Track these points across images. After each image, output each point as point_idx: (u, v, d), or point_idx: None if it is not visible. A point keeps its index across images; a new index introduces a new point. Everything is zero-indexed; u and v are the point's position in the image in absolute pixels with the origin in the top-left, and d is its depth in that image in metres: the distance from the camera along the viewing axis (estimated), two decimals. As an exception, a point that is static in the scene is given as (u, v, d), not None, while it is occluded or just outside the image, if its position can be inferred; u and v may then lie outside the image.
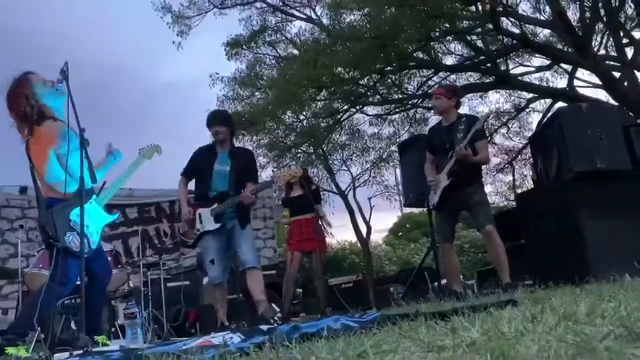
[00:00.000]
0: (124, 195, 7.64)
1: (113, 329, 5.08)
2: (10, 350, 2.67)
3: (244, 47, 12.90)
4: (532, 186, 5.98)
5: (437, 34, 10.50)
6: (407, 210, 21.28)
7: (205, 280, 6.75)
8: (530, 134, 11.12)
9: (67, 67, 3.14)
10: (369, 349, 1.23)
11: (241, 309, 5.91)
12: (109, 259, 4.09)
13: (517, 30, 10.58)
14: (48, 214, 3.05)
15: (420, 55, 11.33)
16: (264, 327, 2.39)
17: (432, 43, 10.99)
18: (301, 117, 13.04)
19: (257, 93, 12.94)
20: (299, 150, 13.37)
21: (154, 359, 1.46)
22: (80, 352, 2.42)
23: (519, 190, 12.55)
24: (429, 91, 11.38)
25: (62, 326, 4.24)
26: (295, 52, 12.85)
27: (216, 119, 4.43)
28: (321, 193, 6.75)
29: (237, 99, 13.00)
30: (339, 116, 12.88)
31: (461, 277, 5.65)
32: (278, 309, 3.73)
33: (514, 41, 10.58)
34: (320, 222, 5.99)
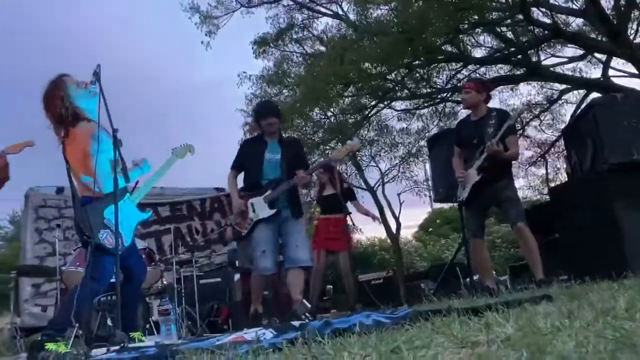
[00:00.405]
0: (156, 194, 7.76)
1: (147, 326, 5.19)
2: (50, 345, 2.75)
3: (271, 45, 12.95)
4: (566, 179, 5.84)
5: (466, 26, 10.34)
6: (437, 205, 21.07)
7: (237, 277, 6.83)
8: (563, 126, 10.88)
9: (100, 69, 3.22)
10: (402, 344, 1.22)
11: (271, 305, 5.97)
12: (143, 256, 4.17)
13: (548, 20, 10.33)
14: (83, 212, 3.12)
15: (449, 49, 11.18)
16: (296, 323, 2.40)
17: (460, 36, 10.84)
18: (329, 113, 13.03)
19: (284, 91, 12.99)
20: (328, 147, 13.38)
21: (189, 354, 1.48)
22: (117, 348, 2.47)
23: (552, 184, 12.28)
24: (458, 85, 11.23)
25: (98, 323, 4.35)
26: (322, 48, 12.84)
27: (271, 111, 4.41)
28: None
29: (265, 97, 13.07)
30: (366, 112, 12.82)
31: (494, 272, 5.57)
32: (309, 305, 3.74)
33: (545, 31, 10.34)
34: (367, 216, 6.27)
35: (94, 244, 2.99)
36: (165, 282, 5.85)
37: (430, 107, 13.31)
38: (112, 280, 3.13)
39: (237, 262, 6.77)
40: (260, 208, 4.14)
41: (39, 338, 2.96)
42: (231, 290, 6.83)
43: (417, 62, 10.86)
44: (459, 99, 11.18)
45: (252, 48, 12.71)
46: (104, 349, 2.58)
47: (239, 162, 4.42)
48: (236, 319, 6.30)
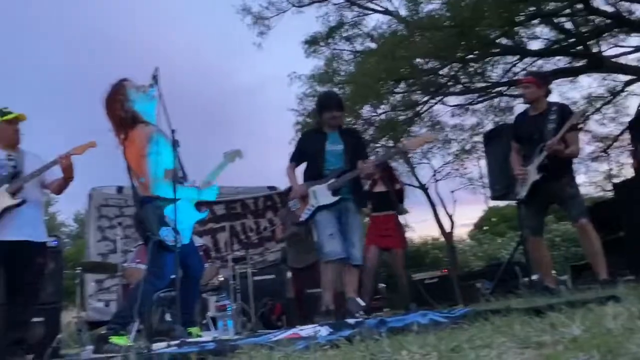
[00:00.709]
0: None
1: (204, 321, 5.32)
2: (114, 339, 2.87)
3: (322, 43, 12.99)
4: (632, 175, 5.56)
5: (522, 17, 10.01)
6: (493, 203, 20.53)
7: (290, 274, 6.90)
8: (627, 119, 10.35)
9: (158, 73, 3.33)
10: (463, 343, 1.19)
11: (319, 302, 5.99)
12: (201, 253, 4.28)
13: (610, 9, 9.86)
14: (144, 211, 3.23)
15: (504, 41, 10.86)
16: (351, 321, 2.40)
17: (516, 28, 10.50)
18: (379, 110, 12.94)
19: (335, 89, 13.00)
20: (378, 144, 13.29)
21: (247, 350, 1.50)
22: (177, 342, 2.55)
23: (615, 180, 11.71)
24: (515, 78, 10.89)
25: (158, 317, 4.50)
26: (373, 45, 12.74)
27: (335, 103, 4.36)
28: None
29: (316, 96, 13.13)
30: (418, 108, 12.65)
31: (554, 272, 5.37)
32: (363, 303, 3.72)
33: (607, 20, 9.87)
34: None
35: (155, 241, 3.10)
36: (221, 279, 5.98)
37: (485, 102, 12.97)
38: (171, 277, 3.23)
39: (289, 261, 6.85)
40: (322, 195, 4.09)
41: (104, 331, 3.09)
42: (284, 287, 6.89)
43: (470, 56, 10.61)
44: (516, 93, 10.85)
45: (303, 47, 12.81)
46: (164, 343, 2.66)
47: (299, 154, 4.40)
48: (290, 315, 6.37)
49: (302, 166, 4.42)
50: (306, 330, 2.17)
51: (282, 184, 8.96)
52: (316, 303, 6.17)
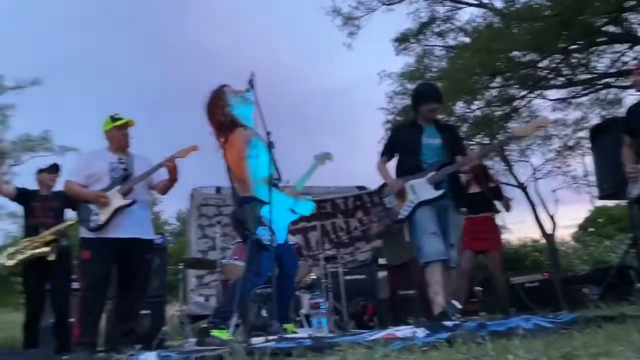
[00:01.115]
0: (303, 192, 8.09)
1: (298, 318, 5.42)
2: (215, 332, 3.00)
3: (412, 40, 12.79)
4: None
5: (633, 2, 9.22)
6: (600, 203, 19.10)
7: (381, 274, 6.85)
8: None
9: (254, 78, 3.44)
10: (577, 350, 1.11)
11: (413, 304, 5.89)
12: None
13: None
14: (242, 211, 3.35)
15: (612, 29, 10.07)
16: (449, 323, 2.33)
17: (625, 14, 9.70)
18: (473, 106, 12.49)
19: (426, 86, 12.74)
20: (473, 142, 12.84)
21: (345, 348, 1.50)
22: (274, 337, 2.61)
23: None
24: (624, 68, 10.07)
25: (255, 313, 4.64)
26: (466, 40, 12.34)
27: (435, 96, 4.13)
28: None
29: (406, 94, 12.93)
30: (515, 103, 12.06)
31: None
32: (460, 306, 3.60)
33: None
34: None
35: (253, 240, 3.20)
36: (313, 277, 6.07)
37: (590, 95, 12.10)
38: (268, 274, 3.32)
39: (380, 260, 6.80)
40: (422, 189, 3.87)
41: (205, 325, 3.24)
42: (376, 287, 6.86)
43: (573, 46, 9.95)
44: (626, 84, 10.02)
45: (393, 45, 12.68)
46: (262, 338, 2.74)
47: (391, 148, 4.22)
48: (382, 316, 6.32)
49: (392, 163, 4.26)
50: (402, 331, 2.14)
51: (371, 184, 8.95)
52: (409, 305, 6.10)
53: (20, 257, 4.50)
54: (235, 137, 3.45)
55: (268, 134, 3.26)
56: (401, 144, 4.15)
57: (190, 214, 8.56)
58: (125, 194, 3.89)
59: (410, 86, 12.70)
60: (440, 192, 3.85)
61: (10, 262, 4.48)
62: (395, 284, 6.01)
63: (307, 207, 3.53)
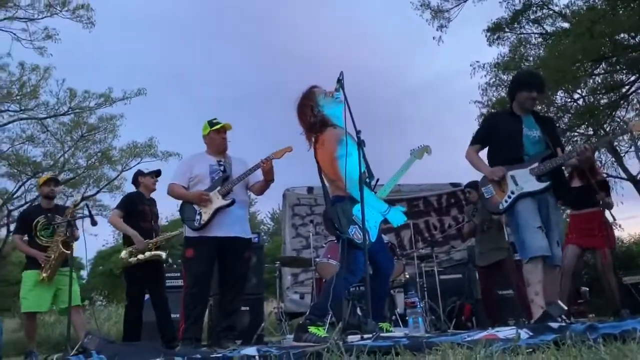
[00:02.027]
0: (393, 191, 7.97)
1: (393, 317, 5.37)
2: (312, 329, 3.05)
3: (506, 29, 12.25)
4: None
5: None
6: None
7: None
8: None
9: (343, 77, 3.45)
10: None
11: (511, 304, 5.62)
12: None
13: None
14: (334, 210, 3.37)
15: None
16: (554, 325, 2.20)
17: None
18: (576, 95, 11.73)
19: (522, 76, 12.15)
20: (576, 133, 12.06)
21: (445, 347, 1.46)
22: (370, 336, 2.60)
23: None
24: None
25: (349, 311, 4.66)
26: (565, 25, 11.63)
27: (538, 84, 3.86)
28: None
29: (501, 85, 12.40)
30: (624, 90, 11.16)
31: None
32: (565, 307, 3.37)
33: None
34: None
35: (345, 238, 3.21)
36: (407, 276, 5.99)
37: None
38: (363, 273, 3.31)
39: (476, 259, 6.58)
40: (524, 180, 3.64)
41: (302, 321, 3.30)
42: (473, 287, 6.64)
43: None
44: None
45: (486, 35, 12.22)
46: (357, 336, 2.74)
47: (485, 136, 3.98)
48: (480, 316, 6.11)
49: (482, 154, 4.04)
50: (504, 332, 2.05)
51: (466, 180, 8.66)
52: (507, 305, 5.84)
53: (141, 257, 4.85)
54: (325, 137, 3.49)
55: (358, 132, 3.25)
56: (499, 133, 3.89)
57: (283, 214, 8.78)
58: (224, 195, 4.06)
59: (505, 77, 12.19)
60: (544, 184, 3.61)
61: (132, 260, 4.84)
62: (487, 283, 5.77)
63: (398, 218, 3.43)
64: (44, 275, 4.83)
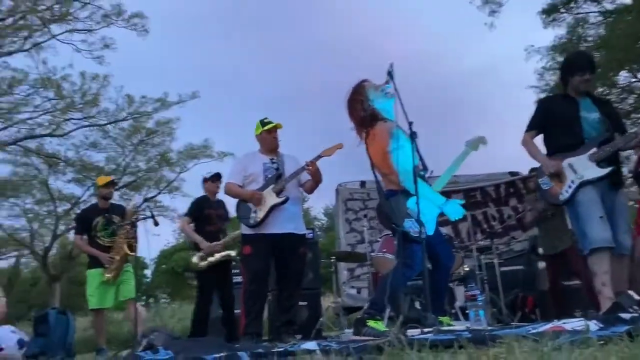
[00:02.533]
0: (449, 182, 7.84)
1: (453, 311, 5.28)
2: (371, 323, 3.05)
3: (562, 10, 11.76)
4: None
5: None
6: None
7: (541, 264, 6.40)
8: None
9: (393, 68, 3.41)
10: None
11: (578, 295, 5.38)
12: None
13: None
14: (388, 204, 3.35)
15: None
16: (626, 316, 2.10)
17: None
18: (640, 75, 11.14)
19: (581, 58, 11.63)
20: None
21: (509, 340, 1.42)
22: (431, 330, 2.57)
23: None
24: None
25: (408, 305, 4.63)
26: (627, 1, 11.04)
27: (590, 65, 3.72)
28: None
29: (558, 69, 11.94)
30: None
31: None
32: (638, 297, 3.20)
33: None
34: None
35: (401, 232, 3.19)
36: (466, 269, 5.87)
37: None
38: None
39: (540, 249, 6.36)
40: (584, 167, 3.47)
41: (360, 316, 3.30)
42: (536, 278, 6.43)
43: None
44: None
45: (541, 18, 11.78)
46: (417, 330, 2.72)
47: (541, 121, 3.80)
48: (544, 309, 5.92)
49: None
50: (571, 323, 1.97)
51: (525, 168, 8.37)
52: (573, 296, 5.61)
53: (212, 259, 5.01)
54: (376, 131, 3.46)
55: (410, 124, 3.21)
56: (555, 117, 3.73)
57: (337, 209, 8.78)
58: (278, 193, 4.12)
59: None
60: (606, 170, 3.43)
61: (203, 264, 5.01)
62: (555, 274, 5.56)
63: (456, 211, 3.34)
64: (108, 276, 5.04)
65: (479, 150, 3.78)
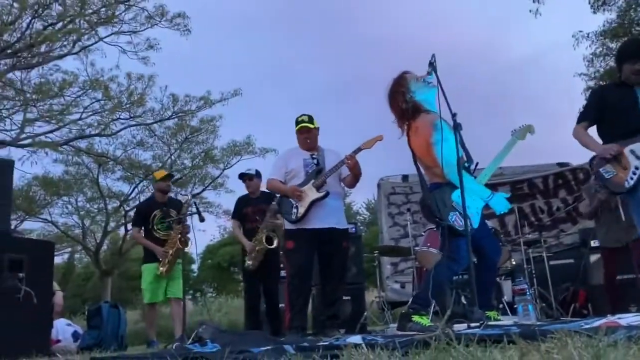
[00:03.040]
0: (495, 174, 7.64)
1: (500, 306, 5.17)
2: (416, 318, 3.02)
3: (614, -8, 11.29)
4: None
5: None
6: None
7: (593, 257, 6.18)
8: None
9: (435, 59, 3.35)
10: None
11: (634, 290, 5.17)
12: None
13: None
14: (432, 197, 3.30)
15: None
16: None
17: None
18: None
19: (634, 42, 11.14)
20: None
21: (562, 335, 1.38)
22: (477, 324, 2.53)
23: None
24: None
25: (453, 300, 4.56)
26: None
27: None
28: None
29: (609, 54, 11.45)
30: None
31: None
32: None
33: None
34: None
35: (445, 226, 3.14)
36: (514, 263, 5.74)
37: None
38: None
39: (592, 242, 6.14)
40: None
41: (405, 310, 3.27)
42: (587, 272, 6.22)
43: None
44: None
45: (589, 2, 11.31)
46: (464, 325, 2.67)
47: (594, 112, 3.66)
48: (597, 303, 5.72)
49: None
50: (626, 319, 1.90)
51: (574, 159, 8.09)
52: (629, 291, 5.39)
53: (257, 255, 5.09)
54: (419, 123, 3.42)
55: (454, 115, 3.15)
56: (610, 107, 3.57)
57: (379, 203, 8.74)
58: (318, 187, 4.13)
59: (613, 45, 11.25)
60: None
61: (250, 263, 5.10)
62: (612, 268, 5.34)
63: (502, 204, 3.27)
64: (162, 269, 5.17)
65: (526, 139, 3.68)
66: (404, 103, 3.48)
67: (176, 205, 5.45)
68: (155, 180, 5.73)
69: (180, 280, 5.20)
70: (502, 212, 3.31)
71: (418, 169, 3.50)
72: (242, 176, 5.47)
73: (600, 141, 3.61)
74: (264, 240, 5.05)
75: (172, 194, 5.68)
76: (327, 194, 4.11)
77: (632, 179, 3.32)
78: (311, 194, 4.14)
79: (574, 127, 3.69)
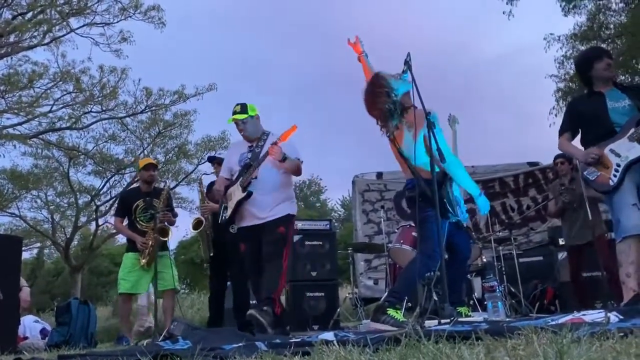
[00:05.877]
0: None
1: (471, 302, 5.26)
2: (391, 311, 3.04)
3: (583, -4, 11.53)
4: None
5: None
6: None
7: (561, 255, 6.33)
8: None
9: (410, 58, 3.35)
10: None
11: (599, 287, 5.31)
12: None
13: None
14: (416, 192, 3.28)
15: None
16: (647, 309, 2.07)
17: None
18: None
19: (602, 45, 11.42)
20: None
21: (528, 332, 1.41)
22: (448, 321, 2.57)
23: None
24: None
25: (424, 296, 4.61)
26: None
27: (604, 51, 3.74)
28: None
29: (577, 70, 11.71)
30: None
31: None
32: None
33: None
34: None
35: (425, 222, 3.15)
36: (484, 260, 5.83)
37: None
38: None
39: (560, 240, 6.28)
40: (626, 149, 3.39)
41: (381, 303, 3.27)
42: (555, 269, 6.37)
43: None
44: None
45: (560, 5, 11.54)
46: (434, 321, 2.71)
47: (572, 122, 3.76)
48: (563, 300, 5.86)
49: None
50: (591, 315, 1.95)
51: (543, 158, 8.27)
52: (594, 288, 5.54)
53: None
54: (410, 118, 3.33)
55: (427, 114, 3.17)
56: (584, 115, 3.69)
57: (354, 200, 8.78)
58: (245, 186, 3.92)
59: (583, 48, 11.51)
60: None
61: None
62: (577, 265, 5.48)
63: (486, 205, 3.32)
64: (143, 261, 4.98)
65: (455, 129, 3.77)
66: (389, 104, 3.38)
67: (159, 194, 5.24)
68: (138, 169, 5.58)
69: (171, 270, 5.04)
70: (486, 213, 3.34)
71: (410, 166, 3.39)
72: (212, 159, 5.37)
73: (583, 148, 3.70)
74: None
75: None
76: (249, 195, 3.89)
77: (615, 176, 3.41)
78: (238, 193, 3.95)
79: (558, 140, 3.82)
